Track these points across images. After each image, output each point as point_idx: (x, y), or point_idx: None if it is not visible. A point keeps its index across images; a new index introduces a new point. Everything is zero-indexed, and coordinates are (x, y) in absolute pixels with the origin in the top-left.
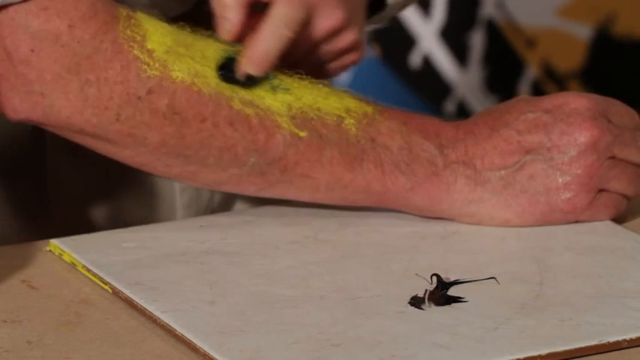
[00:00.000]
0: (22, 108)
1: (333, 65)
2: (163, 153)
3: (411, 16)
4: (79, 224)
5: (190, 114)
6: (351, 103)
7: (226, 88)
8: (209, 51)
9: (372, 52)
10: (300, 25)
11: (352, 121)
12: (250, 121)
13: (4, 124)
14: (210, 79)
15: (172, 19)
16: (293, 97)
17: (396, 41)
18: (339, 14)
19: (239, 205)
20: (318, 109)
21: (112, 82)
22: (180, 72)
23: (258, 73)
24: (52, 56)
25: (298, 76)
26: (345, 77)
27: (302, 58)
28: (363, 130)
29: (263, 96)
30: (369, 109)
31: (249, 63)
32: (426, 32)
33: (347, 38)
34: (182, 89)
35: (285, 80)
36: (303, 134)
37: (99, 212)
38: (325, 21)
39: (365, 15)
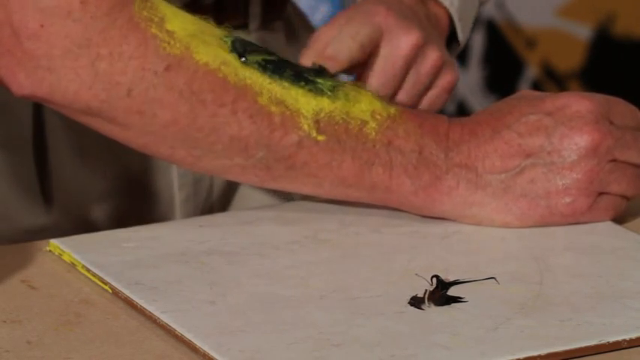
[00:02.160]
0: (27, 83)
1: (433, 93)
2: (171, 132)
3: None
4: (77, 219)
5: (209, 97)
6: (378, 104)
7: (256, 84)
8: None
9: None
10: (368, 39)
11: (374, 125)
12: (272, 119)
13: (5, 123)
14: (240, 70)
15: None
16: (329, 101)
17: None
18: (413, 32)
19: (237, 202)
20: (347, 113)
21: (126, 56)
22: (205, 55)
23: (333, 69)
24: (62, 31)
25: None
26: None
27: (398, 89)
28: (382, 133)
29: (297, 97)
30: (392, 110)
31: (321, 58)
32: None
33: (432, 55)
34: (205, 72)
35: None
36: (321, 138)
37: (97, 207)
38: (402, 41)
39: (444, 42)
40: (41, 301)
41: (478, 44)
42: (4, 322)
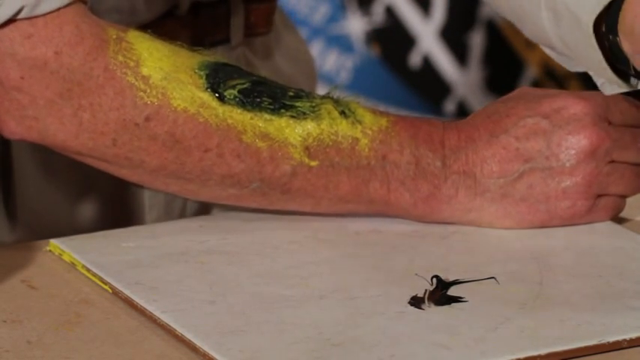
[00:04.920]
0: (17, 130)
1: None
2: (162, 175)
3: (411, 16)
4: (43, 233)
5: (193, 143)
6: (367, 117)
7: (238, 122)
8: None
9: (372, 53)
10: None
11: (366, 141)
12: (260, 154)
13: None
14: (219, 110)
15: (155, 21)
16: (314, 124)
17: (396, 41)
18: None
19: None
20: (336, 133)
21: (106, 108)
22: (182, 100)
23: None
24: (42, 83)
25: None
26: (345, 77)
27: None
28: (375, 149)
29: (281, 127)
30: (383, 121)
31: None
32: (426, 32)
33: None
34: (184, 118)
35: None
36: (314, 163)
37: (63, 227)
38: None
39: None
40: (41, 301)
41: (478, 44)
42: (4, 322)
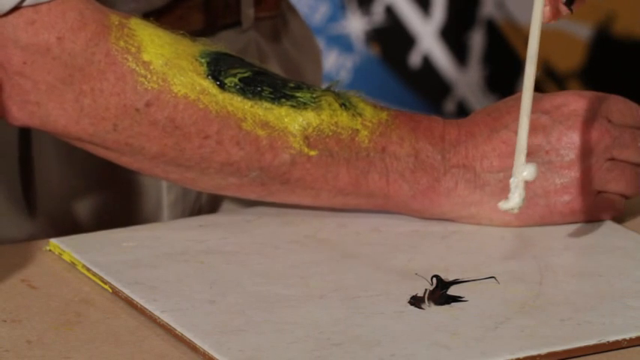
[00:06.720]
0: (19, 116)
1: None
2: (162, 162)
3: (411, 15)
4: (63, 221)
5: (193, 130)
6: (368, 110)
7: (238, 109)
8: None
9: (372, 52)
10: None
11: (366, 133)
12: (259, 142)
13: None
14: (220, 97)
15: (158, 11)
16: (315, 114)
17: (396, 41)
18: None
19: (227, 204)
20: (336, 124)
21: (107, 93)
22: (182, 87)
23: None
24: (44, 68)
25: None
26: (345, 77)
27: None
28: (375, 141)
29: (281, 116)
30: (383, 115)
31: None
32: (426, 32)
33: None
34: (184, 104)
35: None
36: (313, 153)
37: (83, 209)
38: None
39: None
40: (41, 301)
41: (478, 44)
42: (4, 321)
